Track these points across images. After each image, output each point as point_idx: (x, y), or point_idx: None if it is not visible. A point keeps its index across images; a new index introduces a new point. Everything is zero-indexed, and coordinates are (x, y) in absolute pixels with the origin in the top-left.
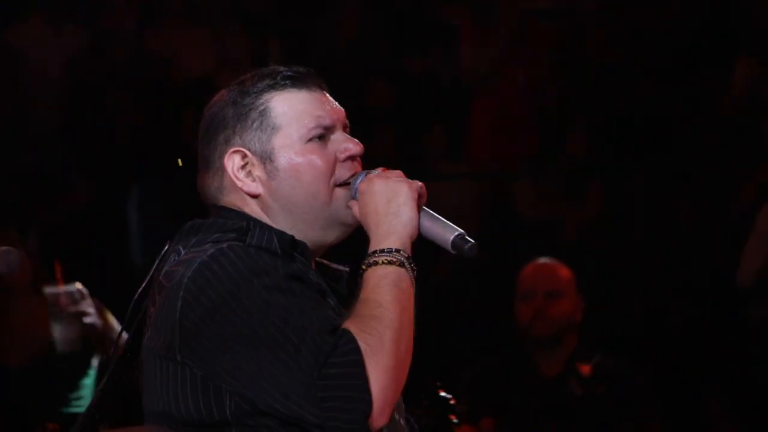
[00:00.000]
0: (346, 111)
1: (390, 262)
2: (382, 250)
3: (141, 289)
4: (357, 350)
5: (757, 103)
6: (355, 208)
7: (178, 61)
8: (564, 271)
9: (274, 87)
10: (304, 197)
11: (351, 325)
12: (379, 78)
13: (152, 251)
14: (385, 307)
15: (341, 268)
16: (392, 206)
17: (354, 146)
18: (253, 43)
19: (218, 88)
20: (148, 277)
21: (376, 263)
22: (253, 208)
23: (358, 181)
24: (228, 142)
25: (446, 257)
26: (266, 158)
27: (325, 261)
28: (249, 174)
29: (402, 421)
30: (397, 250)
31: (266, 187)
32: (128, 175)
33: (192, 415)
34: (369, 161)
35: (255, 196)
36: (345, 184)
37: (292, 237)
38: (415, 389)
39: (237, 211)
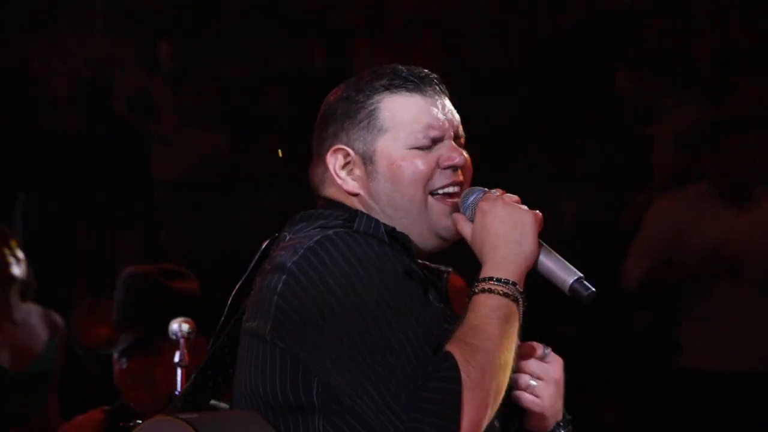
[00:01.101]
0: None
1: (505, 294)
2: (499, 279)
3: (243, 279)
4: (458, 380)
5: (640, 110)
6: (462, 224)
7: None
8: None
9: (388, 88)
10: (400, 200)
11: (457, 351)
12: (274, 83)
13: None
14: (494, 341)
15: (442, 268)
16: (515, 234)
17: (458, 156)
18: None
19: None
20: (251, 267)
21: (491, 291)
22: (354, 204)
23: (473, 197)
24: (335, 137)
25: None
26: (367, 159)
27: (425, 262)
28: (351, 172)
29: None
30: (514, 284)
31: (365, 188)
32: (13, 183)
33: (278, 397)
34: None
35: (354, 195)
36: (437, 193)
37: (394, 228)
38: None
39: (340, 203)
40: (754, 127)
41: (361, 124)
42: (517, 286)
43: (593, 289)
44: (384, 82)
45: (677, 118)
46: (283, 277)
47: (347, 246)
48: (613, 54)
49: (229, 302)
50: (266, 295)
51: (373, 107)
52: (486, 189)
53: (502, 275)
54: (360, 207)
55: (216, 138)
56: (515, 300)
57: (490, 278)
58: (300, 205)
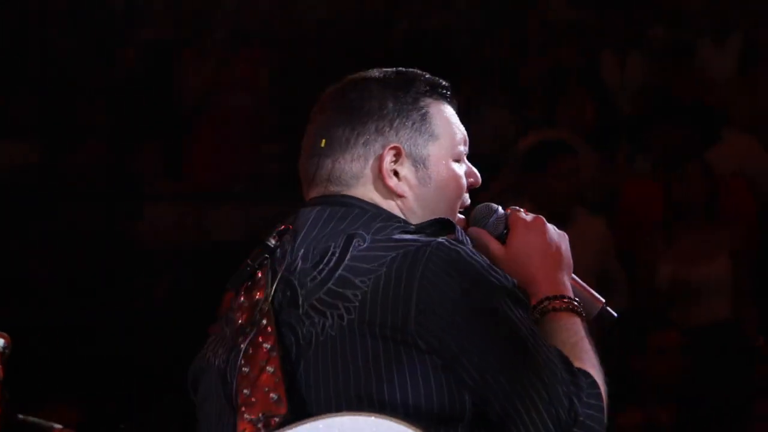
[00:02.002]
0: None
1: (579, 313)
2: (572, 298)
3: (276, 284)
4: (602, 397)
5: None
6: (487, 239)
7: None
8: None
9: (431, 94)
10: (444, 210)
11: (591, 369)
12: (91, 93)
13: None
14: (595, 358)
15: None
16: (561, 252)
17: (479, 178)
18: None
19: None
20: (270, 269)
21: (574, 310)
22: (391, 207)
23: (496, 214)
24: (380, 133)
25: None
26: (420, 163)
27: None
28: (396, 173)
29: None
30: (578, 301)
31: (413, 192)
32: None
33: (419, 404)
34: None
35: (400, 197)
36: (460, 210)
37: None
38: None
39: (374, 204)
40: (574, 149)
41: (414, 126)
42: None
43: (615, 315)
44: (427, 87)
45: (500, 138)
46: (417, 276)
47: (468, 255)
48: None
49: (266, 308)
50: (398, 295)
51: (424, 110)
52: (500, 206)
53: (567, 293)
54: (398, 211)
55: (25, 147)
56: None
57: (562, 297)
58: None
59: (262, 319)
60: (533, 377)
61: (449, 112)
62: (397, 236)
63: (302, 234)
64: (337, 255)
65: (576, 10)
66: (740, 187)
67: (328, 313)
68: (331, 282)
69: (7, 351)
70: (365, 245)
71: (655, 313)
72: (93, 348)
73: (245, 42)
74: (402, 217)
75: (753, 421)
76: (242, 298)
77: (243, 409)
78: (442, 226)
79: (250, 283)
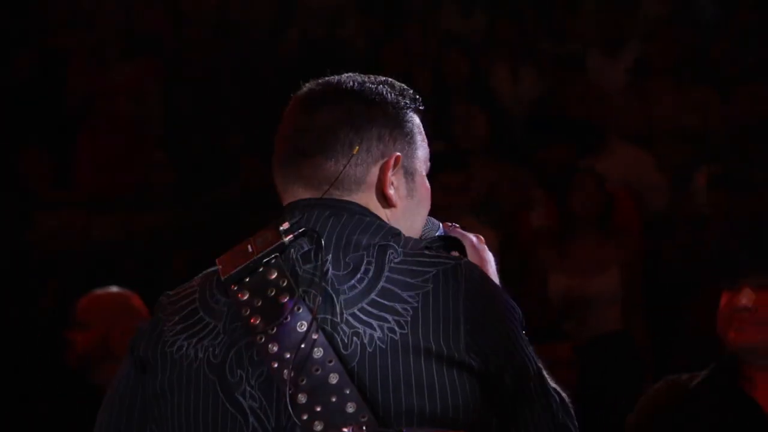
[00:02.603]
0: None
1: None
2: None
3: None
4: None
5: None
6: None
7: None
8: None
9: (412, 106)
10: (418, 225)
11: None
12: None
13: None
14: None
15: None
16: (495, 274)
17: None
18: None
19: None
20: (286, 272)
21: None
22: (381, 216)
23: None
24: (381, 141)
25: None
26: (410, 175)
27: None
28: (391, 183)
29: None
30: None
31: (402, 203)
32: None
33: (467, 423)
34: None
35: (391, 206)
36: None
37: None
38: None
39: (375, 214)
40: (464, 163)
41: (407, 137)
42: None
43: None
44: (409, 98)
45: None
46: (461, 297)
47: (487, 274)
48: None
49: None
50: (447, 315)
51: (411, 123)
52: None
53: None
54: (386, 220)
55: None
56: None
57: None
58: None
59: (298, 321)
60: (546, 405)
61: (421, 125)
62: (426, 252)
63: (324, 238)
64: (374, 266)
65: (466, 21)
66: (628, 198)
67: (376, 325)
68: (374, 293)
69: None
70: (399, 258)
71: (548, 325)
72: None
73: (135, 51)
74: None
75: None
76: (247, 295)
77: (305, 417)
78: (452, 242)
79: (252, 279)
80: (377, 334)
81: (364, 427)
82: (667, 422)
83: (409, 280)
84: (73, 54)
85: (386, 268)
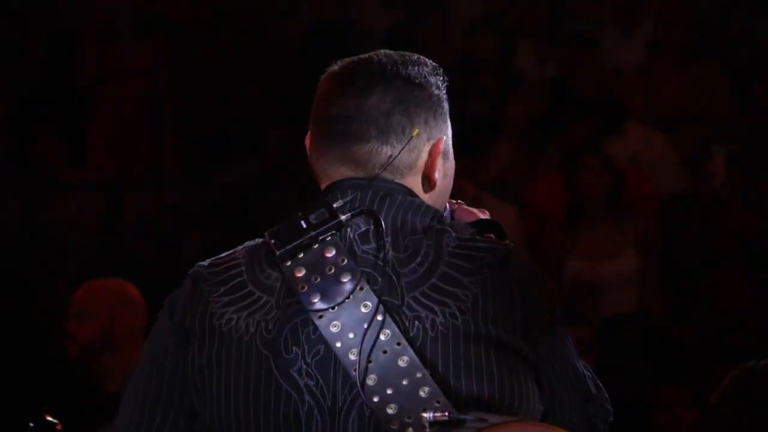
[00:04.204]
0: None
1: None
2: None
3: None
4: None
5: None
6: None
7: None
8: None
9: (445, 84)
10: (444, 205)
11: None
12: None
13: None
14: None
15: None
16: None
17: None
18: None
19: None
20: (345, 251)
21: None
22: (425, 198)
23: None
24: (428, 124)
25: None
26: (446, 156)
27: None
28: (438, 167)
29: None
30: None
31: (440, 184)
32: None
33: (523, 410)
34: None
35: (432, 189)
36: None
37: None
38: (20, 413)
39: (419, 197)
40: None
41: (445, 118)
42: None
43: None
44: (441, 78)
45: None
46: (514, 284)
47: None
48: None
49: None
50: (505, 304)
51: (446, 102)
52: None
53: None
54: (426, 202)
55: None
56: None
57: None
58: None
59: (362, 302)
60: (585, 393)
61: None
62: (478, 237)
63: (381, 219)
64: (433, 250)
65: (488, 3)
66: (642, 178)
67: (437, 310)
68: (434, 278)
69: None
70: (454, 243)
71: (564, 307)
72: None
73: (146, 30)
74: None
75: (658, 410)
76: (303, 272)
77: (375, 399)
78: (487, 225)
79: (307, 255)
80: (439, 319)
81: (446, 413)
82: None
83: (467, 265)
84: (84, 34)
85: (445, 252)
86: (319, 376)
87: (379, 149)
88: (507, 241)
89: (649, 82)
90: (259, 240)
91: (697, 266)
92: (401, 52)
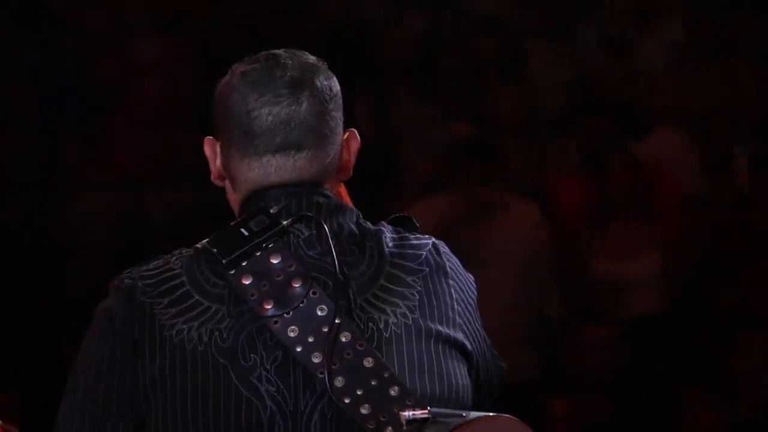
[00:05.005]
0: None
1: None
2: None
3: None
4: None
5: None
6: None
7: None
8: None
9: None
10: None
11: None
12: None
13: None
14: None
15: None
16: None
17: None
18: None
19: None
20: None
21: None
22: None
23: None
24: (340, 123)
25: None
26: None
27: None
28: None
29: None
30: None
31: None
32: None
33: (465, 405)
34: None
35: (342, 182)
36: None
37: None
38: None
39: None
40: (504, 138)
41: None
42: None
43: None
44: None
45: (425, 130)
46: (450, 280)
47: None
48: (356, 63)
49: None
50: (442, 298)
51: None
52: None
53: None
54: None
55: None
56: None
57: None
58: None
59: (317, 306)
60: (501, 376)
61: None
62: (407, 234)
63: (320, 223)
64: (377, 251)
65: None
66: (667, 179)
67: (389, 310)
68: (382, 278)
69: None
70: (392, 243)
71: (588, 307)
72: (27, 340)
73: (166, 30)
74: None
75: (683, 410)
76: (250, 279)
77: (347, 401)
78: (406, 221)
79: (251, 263)
80: (391, 319)
81: (426, 410)
82: None
83: (407, 263)
84: (104, 32)
85: (386, 253)
86: (279, 382)
87: (316, 155)
88: (427, 235)
89: (673, 82)
90: (189, 249)
91: (722, 267)
92: (295, 51)
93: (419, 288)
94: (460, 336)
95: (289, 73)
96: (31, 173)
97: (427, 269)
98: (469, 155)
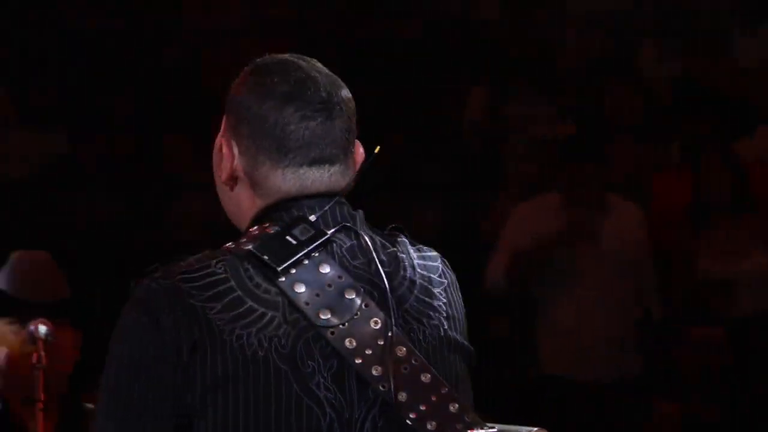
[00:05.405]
0: None
1: None
2: None
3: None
4: None
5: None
6: None
7: None
8: None
9: None
10: None
11: None
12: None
13: None
14: None
15: None
16: None
17: None
18: None
19: None
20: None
21: None
22: None
23: None
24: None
25: None
26: None
27: None
28: None
29: None
30: None
31: None
32: None
33: None
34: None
35: None
36: None
37: None
38: None
39: None
40: (608, 137)
41: None
42: None
43: None
44: None
45: (533, 128)
46: (456, 289)
47: None
48: (468, 62)
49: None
50: (459, 310)
51: None
52: None
53: None
54: None
55: (52, 137)
56: None
57: None
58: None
59: (371, 318)
60: None
61: None
62: (420, 245)
63: (360, 233)
64: (407, 262)
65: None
66: None
67: (425, 322)
68: (416, 290)
69: (50, 338)
70: (414, 254)
71: (694, 307)
72: None
73: (267, 34)
74: None
75: None
76: (303, 288)
77: (412, 416)
78: (401, 230)
79: (300, 271)
80: (428, 330)
81: (495, 426)
82: None
83: (432, 275)
84: (210, 35)
85: (416, 264)
86: (336, 389)
87: (345, 169)
88: (427, 246)
89: None
90: (226, 255)
91: None
92: (308, 59)
93: (444, 299)
94: (468, 345)
95: (322, 89)
96: (136, 173)
97: (446, 281)
98: (572, 154)
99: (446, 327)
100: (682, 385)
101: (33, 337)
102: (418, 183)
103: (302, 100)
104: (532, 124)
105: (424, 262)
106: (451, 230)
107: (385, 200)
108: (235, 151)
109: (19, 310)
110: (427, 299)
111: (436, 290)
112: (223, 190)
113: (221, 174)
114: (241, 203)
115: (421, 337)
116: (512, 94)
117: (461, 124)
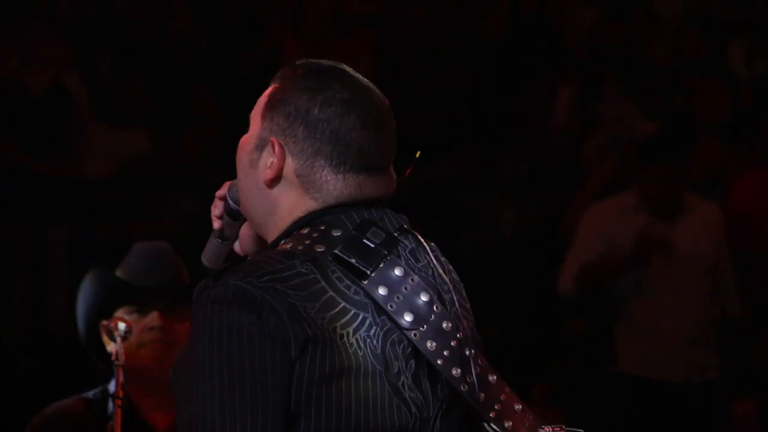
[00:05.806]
0: None
1: None
2: None
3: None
4: None
5: (580, 123)
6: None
7: None
8: None
9: None
10: None
11: None
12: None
13: None
14: None
15: None
16: None
17: None
18: None
19: None
20: (434, 261)
21: None
22: None
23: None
24: None
25: None
26: None
27: None
28: None
29: None
30: None
31: None
32: None
33: None
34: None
35: None
36: None
37: None
38: None
39: None
40: (695, 137)
41: None
42: None
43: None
44: None
45: (611, 127)
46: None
47: None
48: (549, 61)
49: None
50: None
51: None
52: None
53: None
54: None
55: (137, 135)
56: None
57: None
58: None
59: (443, 321)
60: None
61: None
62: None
63: (418, 236)
64: (447, 264)
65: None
66: None
67: (467, 324)
68: (459, 292)
69: (128, 335)
70: (442, 257)
71: None
72: None
73: (346, 28)
74: None
75: None
76: (386, 291)
77: (492, 414)
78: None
79: (378, 273)
80: (468, 332)
81: (561, 426)
82: None
83: (456, 277)
84: (287, 32)
85: (451, 267)
86: (417, 390)
87: (392, 176)
88: None
89: None
90: (302, 256)
91: None
92: (346, 67)
93: (467, 300)
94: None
95: (376, 99)
96: (218, 172)
97: (462, 283)
98: (654, 154)
99: (473, 326)
100: (762, 384)
101: (112, 334)
102: (496, 181)
103: (362, 109)
104: (618, 123)
105: (449, 265)
106: (528, 229)
107: (458, 198)
108: (287, 151)
109: (138, 299)
110: (462, 300)
111: (463, 291)
112: (257, 188)
113: (262, 173)
114: (279, 203)
115: (468, 337)
116: (600, 93)
117: (546, 122)
